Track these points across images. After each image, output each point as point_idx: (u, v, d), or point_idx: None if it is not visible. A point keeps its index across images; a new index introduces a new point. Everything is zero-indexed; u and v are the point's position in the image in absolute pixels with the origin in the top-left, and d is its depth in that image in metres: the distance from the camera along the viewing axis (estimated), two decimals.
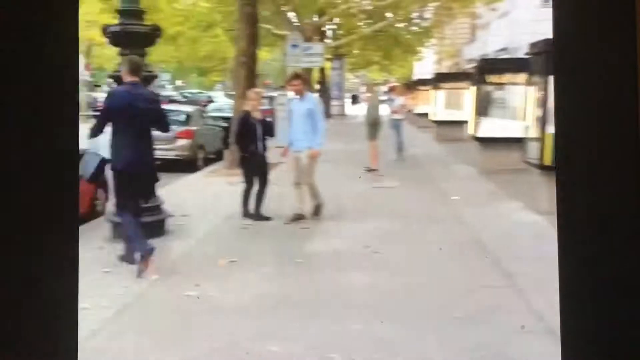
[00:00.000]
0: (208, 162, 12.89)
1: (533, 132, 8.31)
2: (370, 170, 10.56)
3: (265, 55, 24.60)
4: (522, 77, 10.32)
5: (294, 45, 16.09)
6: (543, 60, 7.86)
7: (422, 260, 5.43)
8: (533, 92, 10.34)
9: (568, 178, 1.34)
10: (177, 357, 3.64)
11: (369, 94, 11.88)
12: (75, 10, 1.35)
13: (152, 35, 6.34)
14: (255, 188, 7.32)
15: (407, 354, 3.53)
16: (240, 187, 9.51)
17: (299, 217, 6.94)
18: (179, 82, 43.36)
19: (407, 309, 4.22)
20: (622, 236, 1.32)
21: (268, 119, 14.54)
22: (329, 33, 27.40)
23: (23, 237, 1.32)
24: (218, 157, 13.66)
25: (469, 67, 34.06)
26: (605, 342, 1.34)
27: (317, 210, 7.16)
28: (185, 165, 11.83)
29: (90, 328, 4.01)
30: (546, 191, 7.36)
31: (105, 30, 6.34)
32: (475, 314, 4.14)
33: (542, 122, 8.18)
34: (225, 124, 14.74)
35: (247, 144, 7.24)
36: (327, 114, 23.55)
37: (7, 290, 1.31)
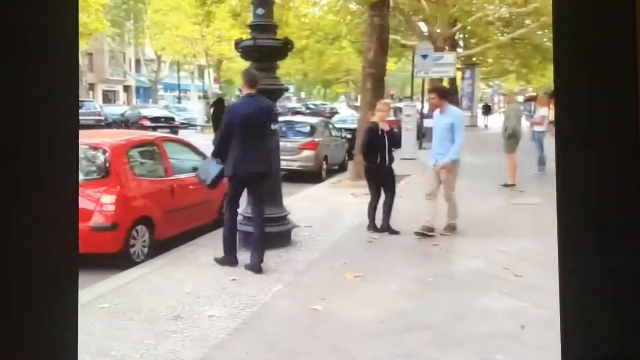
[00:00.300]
0: (331, 173, 12.91)
1: None
2: (508, 185, 10.02)
3: (391, 66, 24.46)
4: None
5: (424, 56, 15.75)
6: None
7: None
8: None
9: (568, 178, 1.33)
10: None
11: (506, 104, 11.21)
12: (76, 11, 1.33)
13: (284, 48, 6.36)
14: (381, 200, 7.18)
15: None
16: (364, 199, 9.41)
17: (428, 230, 6.66)
18: (302, 94, 44.44)
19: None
20: (622, 236, 1.32)
21: (395, 130, 14.35)
22: (460, 42, 26.76)
23: (23, 238, 1.31)
24: (341, 168, 13.67)
25: None
26: (606, 341, 1.33)
27: (449, 228, 6.86)
28: (308, 176, 11.90)
29: (219, 337, 3.99)
30: None
31: (237, 44, 6.43)
32: None
33: None
34: (349, 136, 14.74)
35: (373, 156, 7.11)
36: None
37: (7, 290, 1.30)
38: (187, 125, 23.91)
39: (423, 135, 17.61)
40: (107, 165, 5.94)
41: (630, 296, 1.34)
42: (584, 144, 1.34)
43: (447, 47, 21.15)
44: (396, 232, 6.89)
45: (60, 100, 1.34)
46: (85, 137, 6.62)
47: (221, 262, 5.63)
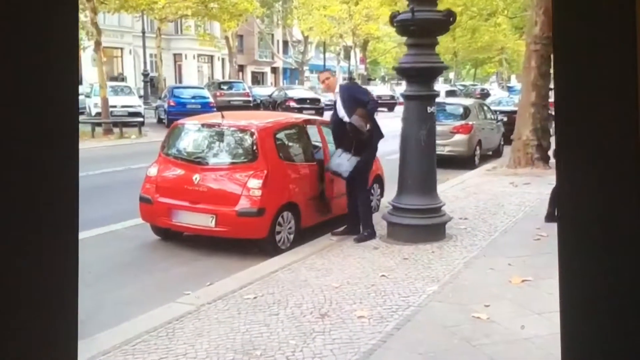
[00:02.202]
0: (485, 159, 12.14)
1: None
2: None
3: None
4: None
5: None
6: None
7: None
8: None
9: (568, 178, 1.36)
10: None
11: None
12: (76, 9, 1.34)
13: (446, 22, 5.82)
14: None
15: None
16: (525, 188, 8.65)
17: None
18: (450, 75, 43.00)
19: None
20: (624, 236, 1.32)
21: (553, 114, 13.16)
22: None
23: (23, 237, 1.31)
24: (496, 154, 12.82)
25: None
26: (606, 342, 1.34)
27: None
28: (460, 162, 11.24)
29: (370, 343, 3.66)
30: None
31: (393, 18, 5.99)
32: None
33: None
34: (504, 119, 13.80)
35: None
36: None
37: (7, 290, 1.31)
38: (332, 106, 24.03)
39: None
40: (255, 148, 5.82)
41: (632, 297, 1.32)
42: (584, 143, 1.34)
43: None
44: None
45: (60, 99, 1.35)
46: (233, 119, 6.58)
47: (361, 239, 5.85)
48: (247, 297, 4.44)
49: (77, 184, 1.39)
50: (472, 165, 11.16)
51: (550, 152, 10.93)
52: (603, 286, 1.37)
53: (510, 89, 33.95)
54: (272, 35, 37.85)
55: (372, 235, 5.93)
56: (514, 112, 14.77)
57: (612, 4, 1.35)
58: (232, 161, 5.90)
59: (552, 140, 11.78)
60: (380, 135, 6.03)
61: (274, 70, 40.27)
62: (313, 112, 20.20)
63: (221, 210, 5.58)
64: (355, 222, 6.05)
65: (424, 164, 5.90)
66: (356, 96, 5.93)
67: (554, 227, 5.43)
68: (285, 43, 38.95)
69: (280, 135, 6.20)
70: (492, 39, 32.44)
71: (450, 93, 23.73)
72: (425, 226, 5.79)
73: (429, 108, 5.82)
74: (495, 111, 14.12)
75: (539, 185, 8.96)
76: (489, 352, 3.52)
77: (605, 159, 1.36)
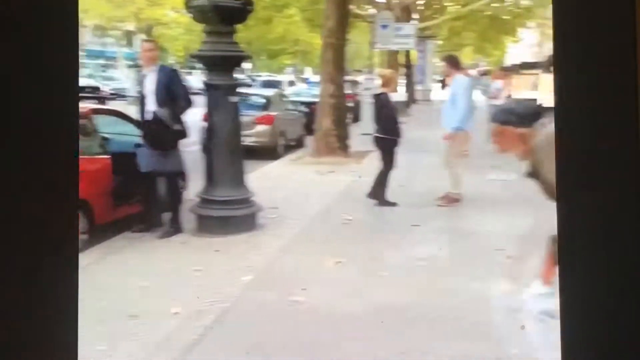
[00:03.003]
0: (288, 149, 12.49)
1: None
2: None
3: None
4: None
5: (384, 26, 15.37)
6: None
7: None
8: None
9: (568, 178, 1.38)
10: None
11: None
12: (76, 8, 1.37)
13: (244, 10, 5.89)
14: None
15: None
16: (331, 177, 9.09)
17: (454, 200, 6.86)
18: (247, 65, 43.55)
19: None
20: (623, 236, 1.35)
21: (350, 105, 14.05)
22: (414, 14, 26.55)
23: (23, 237, 1.34)
24: (298, 144, 13.25)
25: None
26: (606, 342, 1.37)
27: (447, 199, 6.93)
28: (264, 152, 11.44)
29: (189, 339, 3.57)
30: None
31: (188, 4, 5.91)
32: None
33: None
34: (305, 109, 14.32)
35: (390, 126, 7.23)
36: (412, 99, 22.83)
37: (7, 290, 1.33)
38: (116, 96, 22.89)
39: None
40: None
41: (631, 297, 1.37)
42: (584, 143, 1.37)
43: (403, 18, 20.93)
44: (394, 204, 6.96)
45: (60, 99, 1.37)
46: None
47: (166, 234, 5.67)
48: None
49: (77, 183, 1.39)
50: (276, 156, 11.41)
51: (354, 141, 11.61)
52: (603, 286, 1.39)
53: (306, 81, 35.32)
54: None
55: (178, 230, 5.80)
56: (313, 102, 15.43)
57: (612, 4, 1.37)
58: None
59: (350, 130, 12.52)
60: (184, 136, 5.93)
61: None
62: (96, 101, 19.07)
63: None
64: (155, 217, 5.88)
65: (230, 154, 5.91)
66: (172, 87, 5.75)
67: (359, 210, 5.82)
68: None
69: None
70: (286, 30, 33.46)
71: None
72: (236, 217, 5.79)
73: (231, 98, 5.84)
74: (297, 102, 14.60)
75: (343, 173, 9.46)
76: (310, 332, 3.63)
77: (605, 159, 1.38)
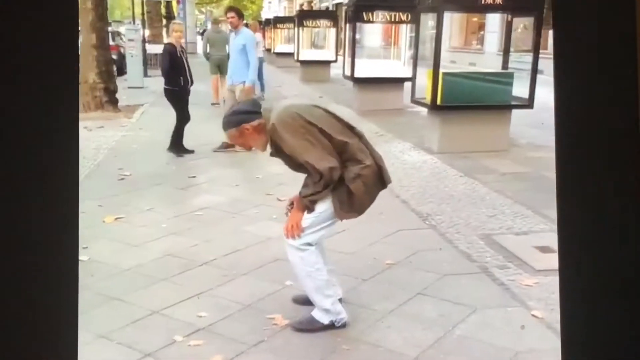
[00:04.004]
0: None
1: (411, 71, 8.42)
2: (214, 104, 10.98)
3: None
4: (398, 15, 10.41)
5: None
6: None
7: None
8: (410, 31, 10.52)
9: (568, 178, 1.37)
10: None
11: (213, 31, 11.64)
12: (76, 7, 1.37)
13: None
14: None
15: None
16: (99, 132, 8.76)
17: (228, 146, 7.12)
18: None
19: (337, 257, 4.06)
20: (624, 236, 1.35)
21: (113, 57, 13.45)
22: None
23: (23, 237, 1.34)
24: None
25: (324, 5, 34.13)
26: (606, 342, 1.37)
27: (224, 146, 7.27)
28: None
29: None
30: (431, 131, 7.56)
31: None
32: (407, 260, 4.09)
33: (415, 59, 8.29)
34: None
35: (178, 78, 7.14)
36: None
37: (6, 290, 1.34)
38: None
39: (148, 62, 16.91)
40: None
41: (632, 297, 1.36)
42: (584, 143, 1.35)
43: None
44: (192, 151, 7.30)
45: (60, 98, 1.34)
46: None
47: None
48: None
49: (77, 183, 1.38)
50: None
51: (123, 96, 11.21)
52: (603, 285, 1.36)
53: None
54: None
55: None
56: None
57: (612, 4, 1.33)
58: None
59: (124, 83, 12.03)
60: None
61: None
62: None
63: None
64: None
65: None
66: None
67: (135, 166, 5.77)
68: None
69: None
70: None
71: None
72: None
73: None
74: None
75: (113, 128, 9.19)
76: (94, 288, 3.65)
77: (605, 159, 1.35)
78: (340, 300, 3.23)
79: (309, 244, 3.04)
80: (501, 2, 7.21)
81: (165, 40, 17.08)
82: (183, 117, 7.30)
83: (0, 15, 1.28)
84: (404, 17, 10.24)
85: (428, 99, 7.29)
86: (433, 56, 7.06)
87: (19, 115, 1.30)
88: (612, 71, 1.34)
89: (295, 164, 2.99)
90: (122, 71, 15.47)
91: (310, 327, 3.13)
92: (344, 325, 3.15)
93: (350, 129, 3.05)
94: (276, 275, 3.79)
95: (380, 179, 3.03)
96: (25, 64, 1.30)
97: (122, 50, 16.38)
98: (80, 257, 4.04)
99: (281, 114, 2.93)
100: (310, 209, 3.00)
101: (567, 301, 1.38)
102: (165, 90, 7.26)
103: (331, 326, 3.13)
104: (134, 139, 8.46)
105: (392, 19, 10.44)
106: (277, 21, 21.89)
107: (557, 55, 1.36)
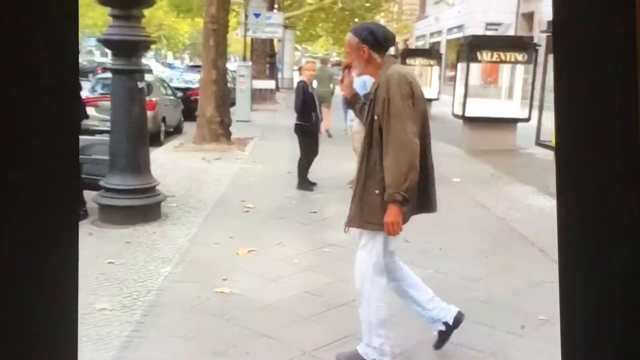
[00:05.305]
0: (168, 135, 12.07)
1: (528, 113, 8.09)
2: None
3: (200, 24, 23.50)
4: (513, 55, 10.11)
5: (257, 14, 15.28)
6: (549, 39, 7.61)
7: (469, 249, 5.04)
8: (525, 72, 10.19)
9: (568, 178, 1.35)
10: None
11: (319, 69, 11.64)
12: (75, 8, 1.34)
13: None
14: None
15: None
16: (217, 164, 8.93)
17: None
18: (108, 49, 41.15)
19: (479, 307, 3.83)
20: (623, 236, 1.33)
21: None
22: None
23: (23, 237, 1.32)
24: (177, 130, 12.85)
25: (419, 44, 34.10)
26: (606, 342, 1.35)
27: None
28: None
29: (121, 335, 3.39)
30: (549, 174, 7.18)
31: None
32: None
33: (540, 102, 7.98)
34: (181, 95, 13.88)
35: (309, 114, 7.24)
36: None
37: (7, 290, 1.32)
38: None
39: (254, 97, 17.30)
40: None
41: (631, 297, 1.34)
42: (584, 144, 1.34)
43: (267, 7, 20.87)
44: (314, 184, 7.32)
45: (60, 99, 1.34)
46: None
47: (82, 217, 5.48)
48: None
49: (78, 183, 1.30)
50: (158, 142, 11.01)
51: (232, 129, 11.45)
52: (603, 286, 1.35)
53: (170, 66, 34.14)
54: None
55: (86, 214, 5.52)
56: (189, 89, 14.99)
57: (612, 4, 1.32)
58: None
59: (232, 117, 12.37)
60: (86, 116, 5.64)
61: None
62: None
63: None
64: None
65: (136, 141, 5.63)
66: None
67: (256, 198, 5.76)
68: None
69: None
70: (151, 14, 32.03)
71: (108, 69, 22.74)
72: (142, 206, 5.55)
73: (139, 83, 5.55)
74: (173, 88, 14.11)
75: (229, 160, 9.36)
76: (241, 322, 3.59)
77: (605, 159, 1.34)
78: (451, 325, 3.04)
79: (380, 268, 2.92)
80: None
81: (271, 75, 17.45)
82: (311, 152, 7.33)
83: (1, 17, 1.26)
84: (519, 57, 9.93)
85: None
86: None
87: (19, 115, 1.28)
88: (612, 71, 1.31)
89: (373, 130, 2.80)
90: (233, 104, 15.92)
91: None
92: None
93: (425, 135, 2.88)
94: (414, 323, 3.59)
95: (421, 199, 2.86)
96: (25, 65, 1.28)
97: (231, 85, 16.86)
98: (221, 289, 4.04)
99: (402, 72, 2.83)
100: (404, 201, 2.70)
101: (567, 302, 1.36)
102: (297, 125, 7.32)
103: None
104: (250, 171, 8.56)
105: (507, 59, 10.15)
106: None
107: (557, 55, 1.34)
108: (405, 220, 2.81)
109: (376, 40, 2.90)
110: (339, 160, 8.36)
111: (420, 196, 2.86)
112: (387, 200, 2.72)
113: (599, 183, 1.35)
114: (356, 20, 24.75)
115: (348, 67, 3.07)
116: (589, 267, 1.36)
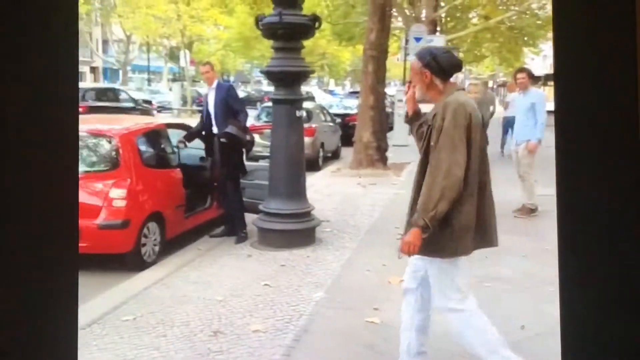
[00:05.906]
0: (326, 160, 12.36)
1: None
2: None
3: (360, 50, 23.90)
4: None
5: (418, 38, 15.22)
6: None
7: None
8: None
9: (568, 179, 1.34)
10: None
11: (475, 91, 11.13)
12: (76, 9, 1.33)
13: (311, 26, 5.78)
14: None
15: None
16: (372, 189, 8.92)
17: (531, 211, 6.82)
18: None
19: None
20: (623, 236, 1.32)
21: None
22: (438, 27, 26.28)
23: (23, 237, 1.30)
24: (334, 156, 13.13)
25: None
26: (606, 342, 1.33)
27: (525, 210, 6.83)
28: (306, 164, 11.32)
29: (272, 358, 3.44)
30: None
31: (259, 21, 5.78)
32: None
33: None
34: (339, 121, 14.18)
35: None
36: None
37: (7, 290, 1.29)
38: (161, 108, 22.94)
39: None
40: (116, 155, 5.27)
41: (631, 297, 1.32)
42: (584, 144, 1.33)
43: (430, 31, 20.73)
44: None
45: (60, 99, 1.32)
46: (90, 123, 5.93)
47: (240, 240, 5.80)
48: (126, 319, 3.98)
49: (77, 183, 1.36)
50: (317, 167, 11.30)
51: (388, 153, 11.43)
52: (603, 286, 1.37)
53: (332, 93, 35.22)
54: (90, 33, 35.39)
55: (246, 236, 5.80)
56: (347, 115, 15.29)
57: (612, 3, 1.33)
58: (90, 169, 5.29)
59: (389, 141, 12.41)
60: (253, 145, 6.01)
61: (94, 69, 37.74)
62: (139, 112, 19.10)
63: (80, 224, 4.98)
64: (232, 223, 5.94)
65: (293, 167, 5.80)
66: (230, 102, 5.76)
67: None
68: (106, 42, 36.66)
69: (142, 140, 5.70)
70: (314, 44, 33.33)
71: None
72: (298, 231, 5.68)
73: (297, 112, 5.73)
74: (331, 114, 14.48)
75: (384, 185, 9.32)
76: (391, 357, 3.48)
77: (605, 159, 1.34)
78: None
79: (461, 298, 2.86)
80: None
81: None
82: None
83: (0, 18, 1.25)
84: None
85: None
86: None
87: (19, 115, 1.26)
88: (612, 72, 1.29)
89: (425, 158, 2.79)
90: (390, 129, 15.96)
91: None
92: None
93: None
94: None
95: (480, 234, 2.84)
96: (25, 66, 1.27)
97: (388, 109, 16.93)
98: (372, 319, 3.97)
99: (460, 101, 2.75)
100: (426, 228, 2.68)
101: (566, 302, 1.34)
102: None
103: None
104: (405, 197, 8.38)
105: None
106: (548, 78, 20.84)
107: (557, 55, 1.32)
108: (467, 252, 2.89)
109: (439, 66, 2.85)
110: (497, 185, 7.94)
111: (480, 231, 2.86)
112: (412, 222, 2.76)
113: (599, 184, 1.33)
114: (525, 39, 23.79)
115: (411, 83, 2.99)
116: (589, 267, 1.35)
